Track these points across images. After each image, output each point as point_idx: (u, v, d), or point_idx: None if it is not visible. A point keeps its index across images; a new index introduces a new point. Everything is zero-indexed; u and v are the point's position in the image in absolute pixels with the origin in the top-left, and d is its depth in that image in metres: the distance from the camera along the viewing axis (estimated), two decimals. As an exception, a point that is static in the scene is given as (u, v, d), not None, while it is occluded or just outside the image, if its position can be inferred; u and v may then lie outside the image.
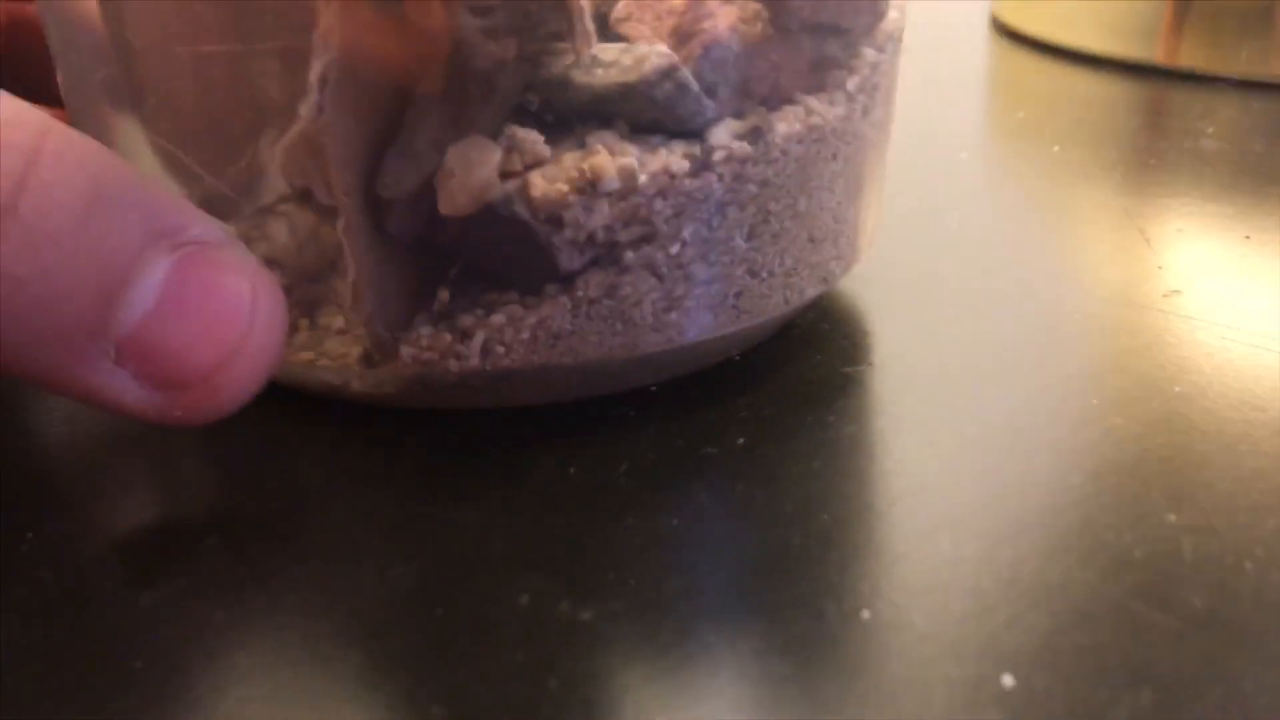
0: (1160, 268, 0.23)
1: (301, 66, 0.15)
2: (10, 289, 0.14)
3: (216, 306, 0.15)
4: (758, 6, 0.17)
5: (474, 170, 0.15)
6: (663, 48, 0.16)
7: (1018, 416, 0.18)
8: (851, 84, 0.18)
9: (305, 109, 0.15)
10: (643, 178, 0.16)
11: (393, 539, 0.16)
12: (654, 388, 0.19)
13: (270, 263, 0.17)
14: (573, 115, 0.16)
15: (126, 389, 0.15)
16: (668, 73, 0.16)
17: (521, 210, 0.16)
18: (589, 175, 0.16)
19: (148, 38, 0.16)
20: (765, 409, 0.18)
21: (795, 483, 0.17)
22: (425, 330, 0.17)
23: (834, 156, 0.18)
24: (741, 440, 0.18)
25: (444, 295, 0.17)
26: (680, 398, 0.19)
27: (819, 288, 0.19)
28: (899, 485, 0.17)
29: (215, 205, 0.17)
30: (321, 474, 0.17)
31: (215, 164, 0.17)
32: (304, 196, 0.16)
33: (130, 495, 0.18)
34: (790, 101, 0.17)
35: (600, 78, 0.16)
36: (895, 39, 0.19)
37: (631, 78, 0.16)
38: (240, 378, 0.15)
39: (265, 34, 0.15)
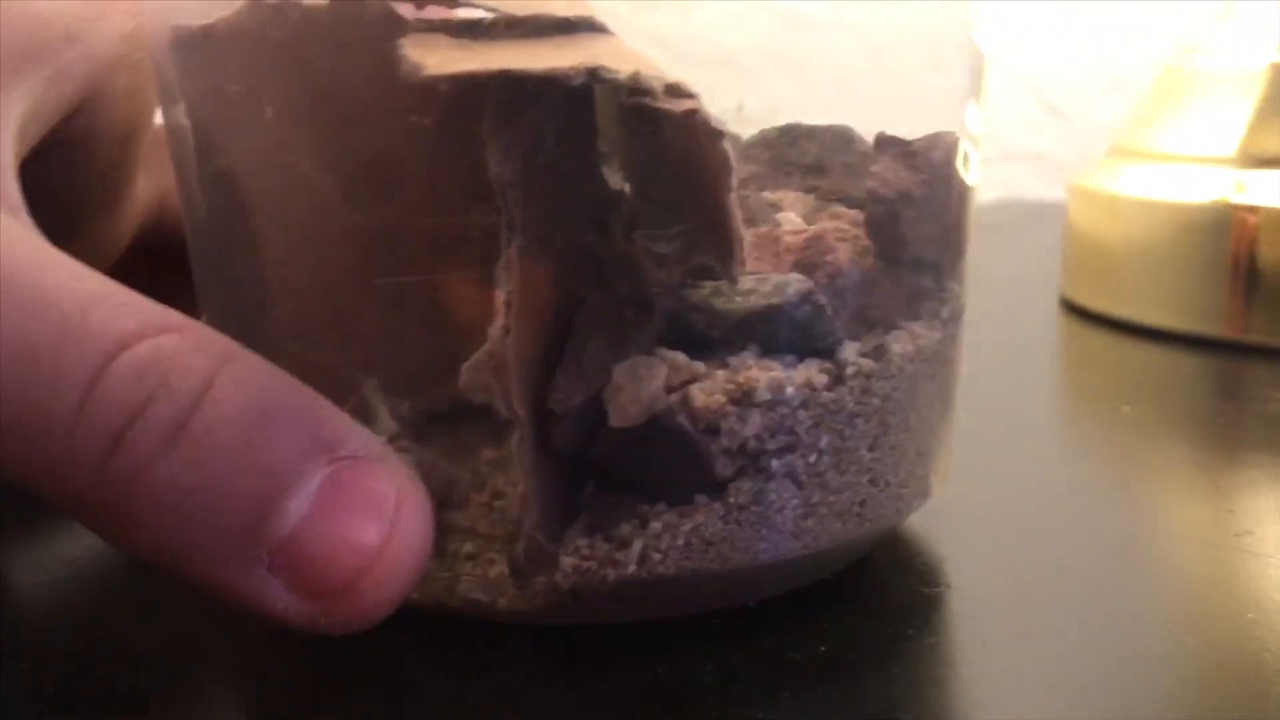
0: (1231, 511, 0.24)
1: (486, 293, 0.16)
2: (177, 498, 0.15)
3: (361, 514, 0.16)
4: (866, 243, 0.19)
5: (644, 385, 0.17)
6: (800, 276, 0.18)
7: (1092, 635, 0.19)
8: (945, 312, 0.20)
9: (494, 330, 0.16)
10: (789, 390, 0.17)
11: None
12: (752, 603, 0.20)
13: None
14: (709, 340, 0.18)
15: (278, 596, 0.15)
16: (807, 296, 0.18)
17: (683, 421, 0.17)
18: (744, 387, 0.17)
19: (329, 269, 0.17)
20: (847, 621, 0.19)
21: (876, 686, 0.17)
22: (583, 541, 0.17)
23: (933, 376, 0.20)
24: (824, 648, 0.18)
25: (598, 505, 0.17)
26: (764, 613, 0.19)
27: (920, 501, 0.20)
28: (979, 693, 0.17)
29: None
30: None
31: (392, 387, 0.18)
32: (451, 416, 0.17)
33: None
34: (896, 327, 0.19)
35: (741, 304, 0.18)
36: (965, 277, 0.21)
37: (775, 300, 0.18)
38: (383, 584, 0.16)
39: (459, 264, 0.17)
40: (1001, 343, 0.39)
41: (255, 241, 0.18)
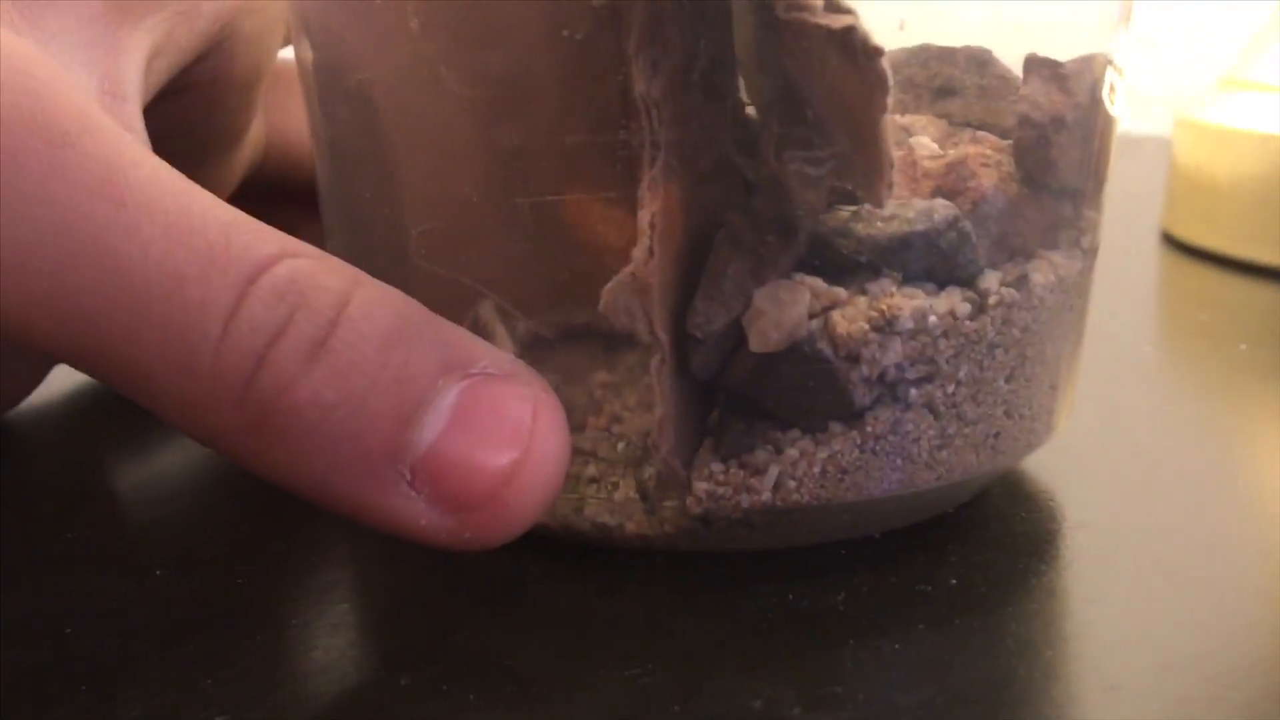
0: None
1: (630, 213, 0.16)
2: (319, 414, 0.15)
3: (499, 425, 0.16)
4: (1010, 169, 0.18)
5: (786, 310, 0.16)
6: (945, 201, 0.17)
7: (1215, 573, 0.18)
8: (1084, 242, 0.19)
9: (637, 251, 0.16)
10: (932, 318, 0.17)
11: (629, 645, 0.17)
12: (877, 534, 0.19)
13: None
14: (850, 264, 0.17)
15: (421, 512, 0.15)
16: (953, 223, 0.17)
17: (824, 348, 0.17)
18: (887, 315, 0.17)
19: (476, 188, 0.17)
20: (975, 556, 0.19)
21: (1014, 620, 0.17)
22: (717, 466, 0.17)
23: (1070, 308, 0.19)
24: (954, 581, 0.18)
25: (731, 430, 0.17)
26: (889, 544, 0.19)
27: (1048, 435, 0.20)
28: (1120, 629, 0.17)
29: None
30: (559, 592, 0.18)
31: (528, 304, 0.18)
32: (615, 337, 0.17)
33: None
34: (1035, 256, 0.19)
35: (884, 228, 0.17)
36: (1102, 206, 0.21)
37: (920, 226, 0.17)
38: (524, 495, 0.16)
39: (601, 184, 0.17)
40: (1106, 278, 0.37)
41: (389, 156, 0.18)
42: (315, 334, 0.15)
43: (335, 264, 0.16)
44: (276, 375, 0.15)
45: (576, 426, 0.18)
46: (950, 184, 0.18)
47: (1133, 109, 0.66)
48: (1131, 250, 0.42)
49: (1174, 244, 0.41)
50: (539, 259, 0.18)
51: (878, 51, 0.15)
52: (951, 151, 0.19)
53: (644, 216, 0.16)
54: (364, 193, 0.19)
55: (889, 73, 0.15)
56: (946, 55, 0.21)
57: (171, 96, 0.19)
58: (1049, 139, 0.18)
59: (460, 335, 0.16)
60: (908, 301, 0.17)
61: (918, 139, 0.20)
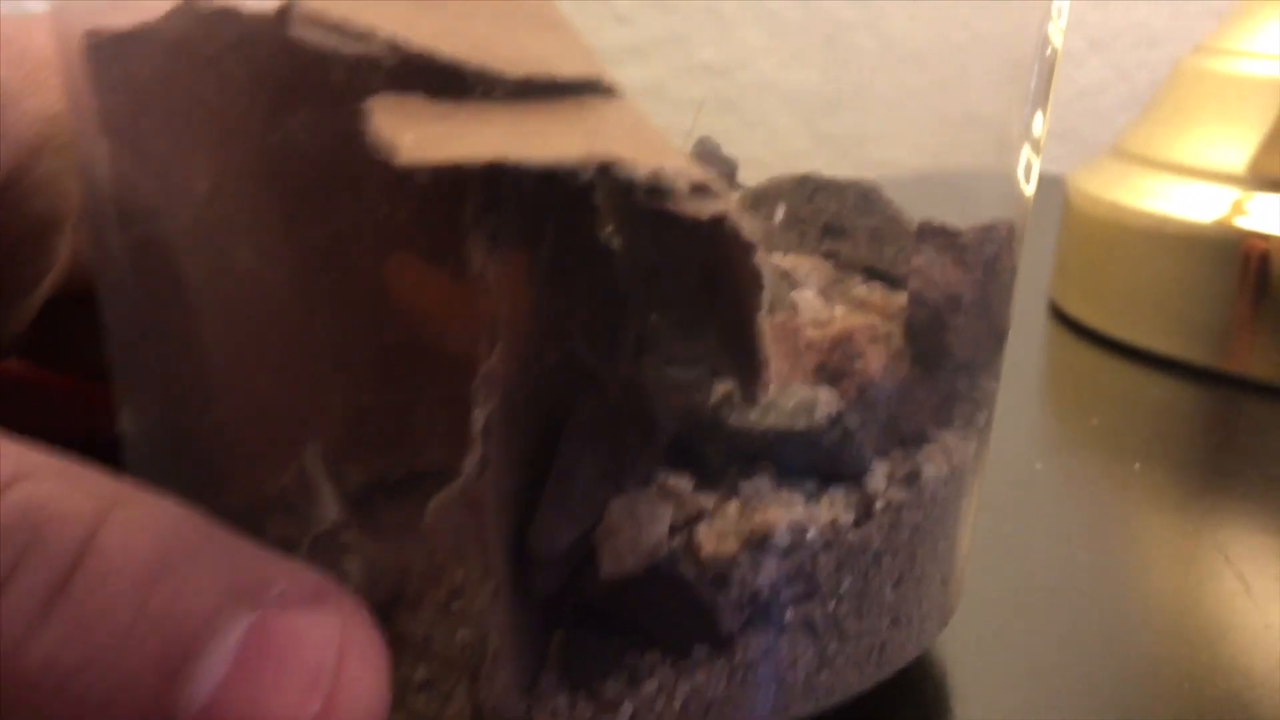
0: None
1: (460, 417, 0.14)
2: (57, 682, 0.12)
3: (294, 668, 0.13)
4: (901, 343, 0.16)
5: (644, 529, 0.14)
6: (828, 392, 0.15)
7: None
8: (980, 418, 0.17)
9: (469, 464, 0.14)
10: (811, 531, 0.15)
11: None
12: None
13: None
14: (717, 458, 0.15)
15: None
16: (836, 420, 0.15)
17: (688, 570, 0.14)
18: (760, 530, 0.14)
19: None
20: None
21: None
22: (562, 699, 0.15)
23: (966, 492, 0.17)
24: None
25: (578, 652, 0.15)
26: None
27: (939, 631, 0.18)
28: None
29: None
30: None
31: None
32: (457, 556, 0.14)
33: None
34: (926, 439, 0.17)
35: (758, 422, 0.15)
36: (1000, 369, 0.19)
37: (799, 425, 0.15)
38: None
39: (424, 381, 0.14)
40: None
41: (181, 313, 0.15)
42: (52, 578, 0.12)
43: (88, 481, 0.13)
44: (2, 638, 0.12)
45: (412, 602, 0.15)
46: (835, 362, 0.16)
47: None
48: (1019, 323, 0.41)
49: (1062, 318, 0.40)
50: (353, 399, 0.15)
51: (753, 246, 0.13)
52: (838, 318, 0.17)
53: (478, 418, 0.14)
54: (152, 340, 0.16)
55: (764, 269, 0.13)
56: (834, 190, 0.19)
57: None
58: (943, 321, 0.16)
59: (251, 553, 0.13)
60: (784, 513, 0.15)
61: (802, 295, 0.18)
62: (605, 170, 0.12)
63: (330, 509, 0.16)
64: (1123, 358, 0.37)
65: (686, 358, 0.14)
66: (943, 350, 0.16)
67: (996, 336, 0.17)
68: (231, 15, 0.14)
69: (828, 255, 0.19)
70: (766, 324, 0.14)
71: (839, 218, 0.19)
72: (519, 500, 0.14)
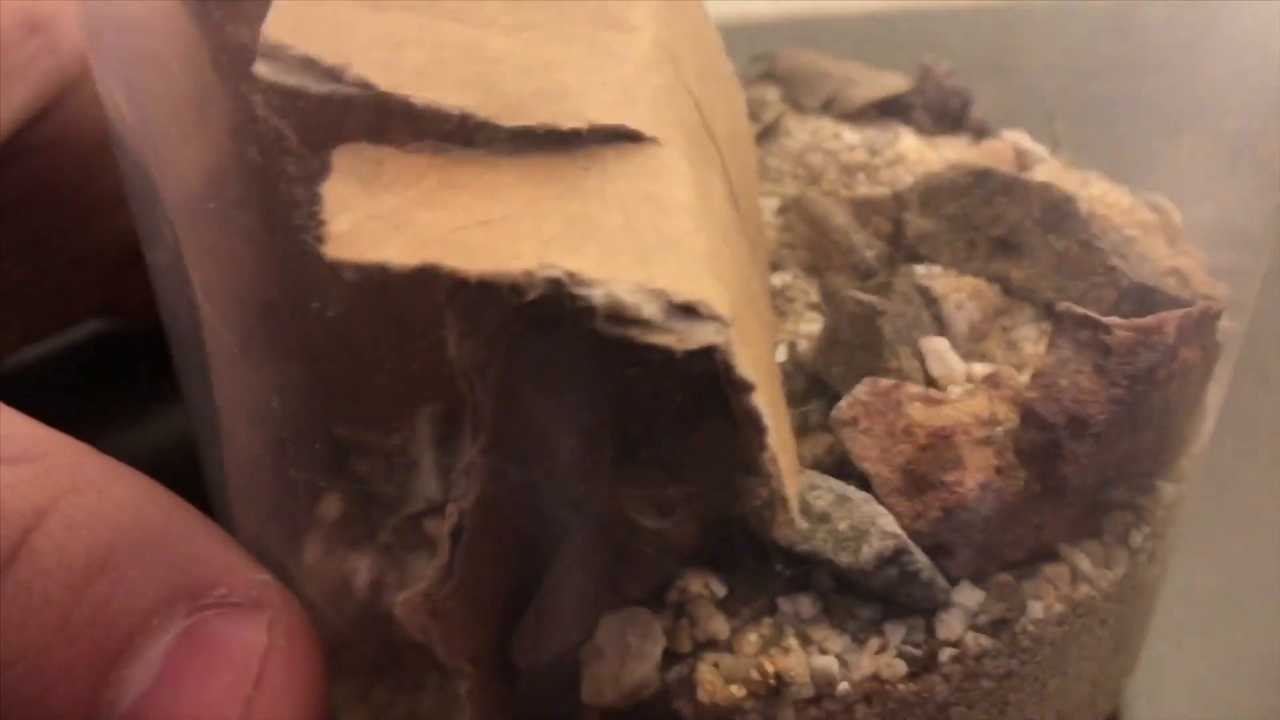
0: None
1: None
2: None
3: (220, 675, 0.12)
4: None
5: (630, 661, 0.12)
6: (889, 520, 0.12)
7: None
8: (1139, 536, 0.14)
9: (433, 568, 0.12)
10: (844, 685, 0.12)
11: None
12: None
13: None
14: (755, 564, 0.13)
15: None
16: (892, 558, 0.12)
17: (682, 709, 0.12)
18: (773, 678, 0.12)
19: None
20: None
21: None
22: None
23: (1103, 623, 0.14)
24: None
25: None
26: None
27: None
28: None
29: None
30: None
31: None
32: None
33: None
34: (1051, 557, 0.13)
35: (801, 539, 0.12)
36: (1203, 453, 0.15)
37: (843, 559, 0.12)
38: None
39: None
40: None
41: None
42: None
43: (47, 465, 0.12)
44: None
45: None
46: (926, 464, 0.13)
47: None
48: None
49: None
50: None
51: (749, 385, 0.10)
52: (951, 401, 0.13)
53: (451, 515, 0.12)
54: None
55: (764, 412, 0.10)
56: (1019, 192, 0.15)
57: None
58: (1060, 448, 0.12)
59: (200, 550, 0.13)
60: (806, 660, 0.12)
61: (932, 344, 0.14)
62: (558, 286, 0.10)
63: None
64: None
65: (669, 500, 0.12)
66: (1061, 480, 0.12)
67: (1168, 441, 0.13)
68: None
69: (996, 278, 0.15)
70: (776, 462, 0.11)
71: (1019, 231, 0.15)
72: (500, 606, 0.13)
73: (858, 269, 0.16)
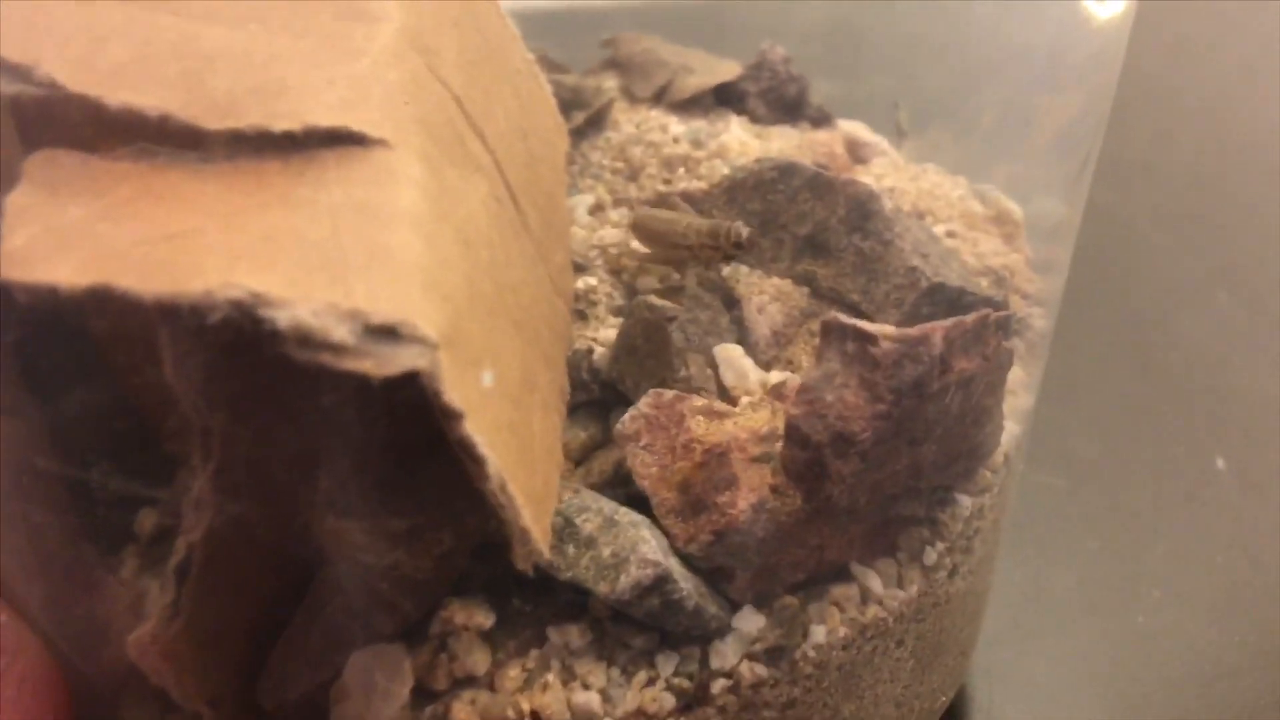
0: None
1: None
2: None
3: None
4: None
5: (376, 701, 0.11)
6: (651, 547, 0.11)
7: None
8: (934, 553, 0.13)
9: (157, 606, 0.11)
10: (606, 721, 0.12)
11: None
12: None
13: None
14: (523, 594, 0.12)
15: None
16: (652, 587, 0.11)
17: (428, 751, 0.12)
18: (529, 716, 0.11)
19: None
20: None
21: None
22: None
23: (900, 643, 0.13)
24: None
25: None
26: None
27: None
28: None
29: None
30: None
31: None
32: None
33: None
34: (842, 576, 0.13)
35: (566, 566, 0.12)
36: (1009, 462, 0.14)
37: (602, 589, 0.11)
38: None
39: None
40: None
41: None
42: None
43: None
44: None
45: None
46: (699, 487, 0.12)
47: None
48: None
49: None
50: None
51: (453, 414, 0.09)
52: (734, 415, 0.13)
53: (175, 552, 0.11)
54: None
55: (479, 440, 0.10)
56: (824, 189, 0.15)
57: None
58: (826, 466, 0.11)
59: None
60: (565, 697, 0.11)
61: (727, 351, 0.14)
62: (242, 308, 0.09)
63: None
64: None
65: (391, 532, 0.11)
66: (830, 499, 0.12)
67: (950, 461, 0.13)
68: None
69: (804, 279, 0.15)
70: (503, 488, 0.10)
71: (825, 230, 0.14)
72: (243, 644, 0.12)
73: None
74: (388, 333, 0.09)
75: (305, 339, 0.09)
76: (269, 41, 0.11)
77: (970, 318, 0.12)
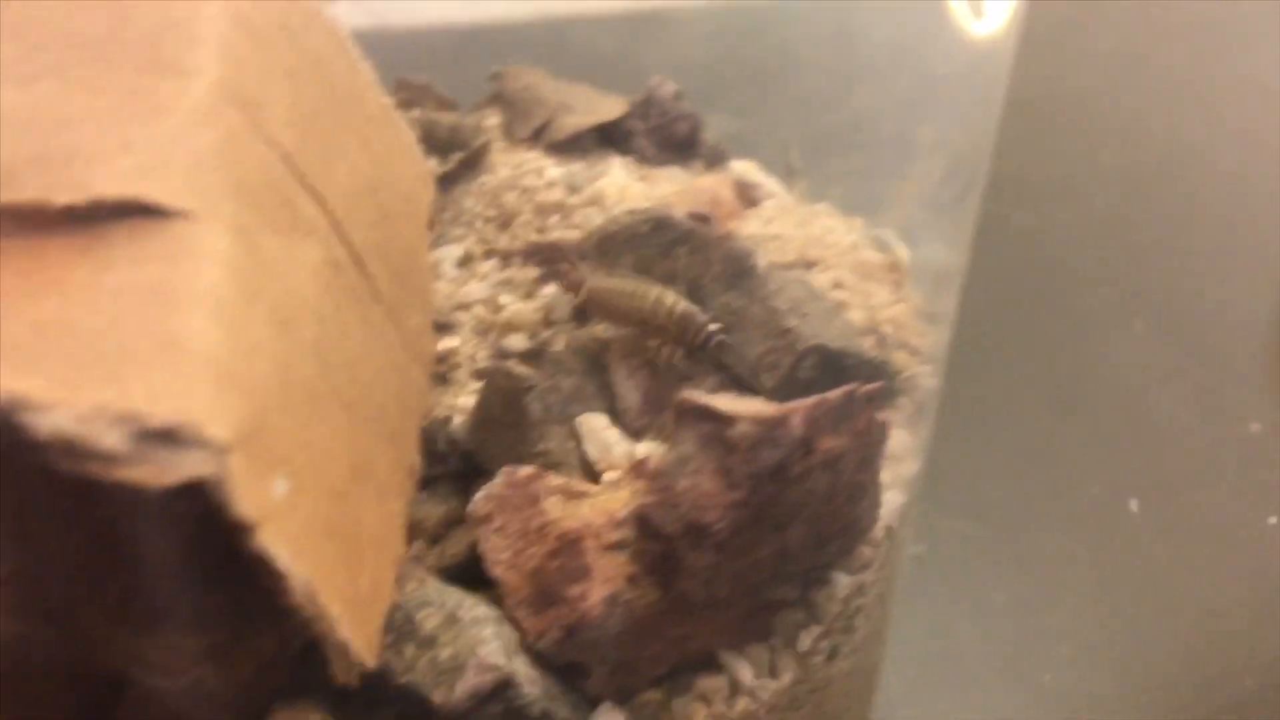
0: None
1: None
2: None
3: None
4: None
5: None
6: (490, 649, 0.11)
7: None
8: (808, 637, 0.12)
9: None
10: None
11: None
12: None
13: None
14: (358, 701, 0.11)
15: None
16: (493, 694, 0.10)
17: None
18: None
19: None
20: None
21: None
22: None
23: (775, 734, 0.12)
24: None
25: None
26: None
27: None
28: None
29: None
30: None
31: None
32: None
33: None
34: (710, 666, 0.12)
35: (400, 670, 0.11)
36: (892, 535, 0.13)
37: (436, 696, 0.10)
38: None
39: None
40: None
41: None
42: None
43: None
44: None
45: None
46: (549, 578, 0.11)
47: None
48: None
49: None
50: None
51: (245, 526, 0.08)
52: (592, 495, 0.12)
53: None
54: None
55: (279, 553, 0.09)
56: (699, 245, 0.14)
57: None
58: (680, 559, 0.10)
59: None
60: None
61: (590, 422, 0.13)
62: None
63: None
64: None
65: (182, 649, 0.10)
66: (686, 590, 0.11)
67: (823, 542, 0.12)
68: None
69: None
70: (325, 605, 0.09)
71: (700, 287, 0.14)
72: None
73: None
74: (167, 436, 0.08)
75: (70, 448, 0.08)
76: (63, 102, 0.10)
77: (836, 394, 0.11)
